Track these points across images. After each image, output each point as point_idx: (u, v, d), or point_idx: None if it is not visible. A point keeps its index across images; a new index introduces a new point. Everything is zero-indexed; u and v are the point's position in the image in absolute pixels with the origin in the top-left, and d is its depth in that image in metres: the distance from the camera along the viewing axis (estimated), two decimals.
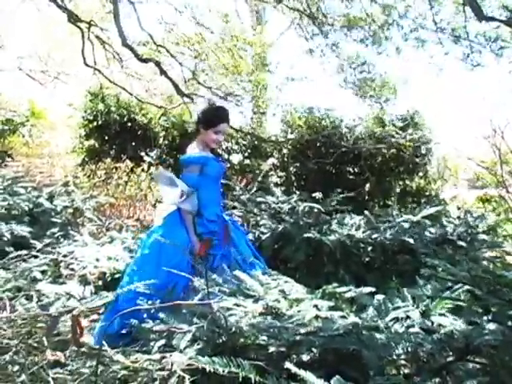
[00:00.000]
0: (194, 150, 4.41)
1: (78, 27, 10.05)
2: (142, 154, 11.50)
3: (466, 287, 2.95)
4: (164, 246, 3.92)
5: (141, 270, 4.09)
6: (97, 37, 10.64)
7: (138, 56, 9.87)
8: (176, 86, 10.52)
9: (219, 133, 4.37)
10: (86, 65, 10.58)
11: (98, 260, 5.28)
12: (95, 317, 4.69)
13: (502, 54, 10.71)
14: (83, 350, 2.62)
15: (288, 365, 2.18)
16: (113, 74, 11.84)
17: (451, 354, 2.50)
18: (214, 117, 4.38)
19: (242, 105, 12.91)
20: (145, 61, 10.13)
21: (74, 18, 9.82)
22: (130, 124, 11.95)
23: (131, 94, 11.60)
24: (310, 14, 11.32)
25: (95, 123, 11.75)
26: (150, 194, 9.85)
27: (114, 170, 10.04)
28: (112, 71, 11.87)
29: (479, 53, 10.77)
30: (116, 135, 11.85)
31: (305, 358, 2.57)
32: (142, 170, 10.14)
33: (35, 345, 2.64)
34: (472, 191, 15.67)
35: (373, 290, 3.31)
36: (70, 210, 7.26)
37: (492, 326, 2.53)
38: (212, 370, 2.17)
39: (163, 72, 10.17)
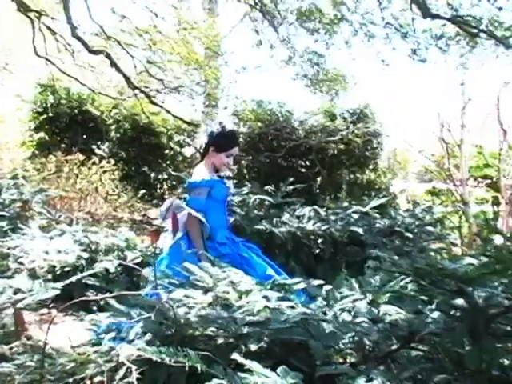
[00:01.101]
0: (201, 172, 4.44)
1: (28, 17, 9.86)
2: (93, 146, 11.38)
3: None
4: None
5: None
6: (48, 27, 10.42)
7: (88, 48, 9.72)
8: (127, 79, 10.42)
9: (230, 156, 4.49)
10: (37, 55, 10.40)
11: (47, 253, 5.23)
12: (45, 310, 4.66)
13: (448, 50, 10.97)
14: (29, 343, 2.60)
15: (235, 355, 2.21)
16: (65, 65, 11.61)
17: (395, 342, 2.56)
18: (228, 140, 4.51)
19: (193, 98, 12.83)
20: (95, 52, 9.98)
21: (23, 8, 9.61)
22: (80, 116, 11.81)
23: (84, 85, 11.38)
24: (260, 8, 11.33)
25: (45, 115, 11.56)
26: (101, 187, 9.75)
27: (64, 163, 9.89)
28: (64, 62, 11.64)
29: (426, 49, 11.01)
30: (66, 128, 11.69)
31: (253, 348, 2.59)
32: (93, 163, 10.02)
33: None
34: (421, 184, 16.00)
35: (322, 282, 3.37)
36: (19, 204, 7.16)
37: (435, 315, 2.60)
38: (160, 361, 2.19)
39: (114, 64, 10.05)
